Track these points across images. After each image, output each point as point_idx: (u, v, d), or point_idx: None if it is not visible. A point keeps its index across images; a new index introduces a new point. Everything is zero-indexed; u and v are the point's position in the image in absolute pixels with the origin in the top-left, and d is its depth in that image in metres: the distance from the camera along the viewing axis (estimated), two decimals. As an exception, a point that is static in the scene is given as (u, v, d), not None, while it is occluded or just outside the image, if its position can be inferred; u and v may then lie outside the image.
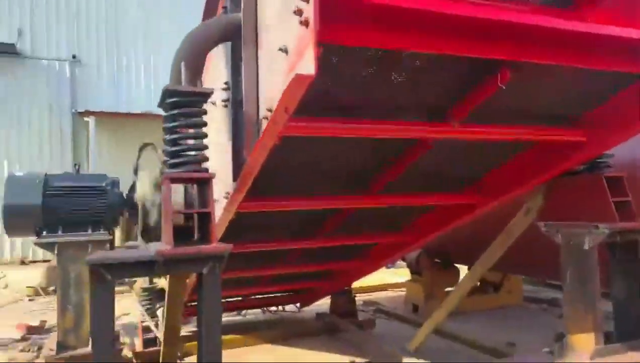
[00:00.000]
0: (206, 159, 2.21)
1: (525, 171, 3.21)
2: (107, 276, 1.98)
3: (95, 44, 13.87)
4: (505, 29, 1.96)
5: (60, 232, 3.47)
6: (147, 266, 2.02)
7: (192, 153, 2.17)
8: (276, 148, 2.50)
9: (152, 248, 2.05)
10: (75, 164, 3.79)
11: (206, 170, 2.20)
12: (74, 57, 13.54)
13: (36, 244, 3.42)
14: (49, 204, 3.46)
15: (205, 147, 2.23)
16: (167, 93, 2.13)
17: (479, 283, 6.69)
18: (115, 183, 3.68)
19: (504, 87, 2.16)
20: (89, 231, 3.50)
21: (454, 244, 5.89)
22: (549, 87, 2.54)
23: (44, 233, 3.44)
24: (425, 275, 6.76)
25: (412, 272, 7.11)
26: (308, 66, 1.60)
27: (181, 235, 2.11)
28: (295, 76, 1.63)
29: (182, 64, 2.20)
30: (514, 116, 2.65)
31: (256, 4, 2.22)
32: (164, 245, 2.01)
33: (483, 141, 2.77)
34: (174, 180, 2.06)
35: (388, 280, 8.91)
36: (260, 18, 2.18)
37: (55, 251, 3.39)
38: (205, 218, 2.06)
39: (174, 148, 2.12)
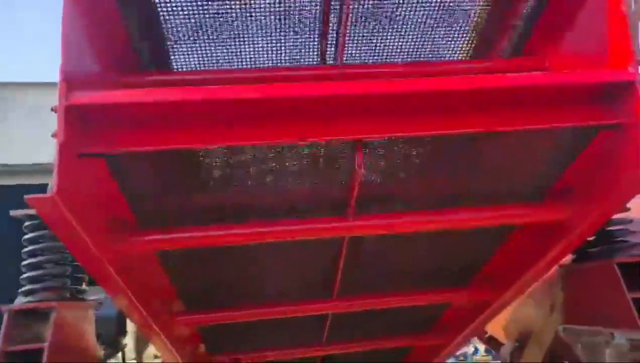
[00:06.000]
0: (57, 288, 2.05)
1: (523, 257, 2.50)
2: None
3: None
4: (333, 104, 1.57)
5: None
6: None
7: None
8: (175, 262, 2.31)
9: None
10: None
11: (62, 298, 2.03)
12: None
13: None
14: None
15: (64, 273, 2.08)
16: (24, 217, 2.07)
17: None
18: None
19: (363, 172, 1.69)
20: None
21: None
22: (478, 158, 1.96)
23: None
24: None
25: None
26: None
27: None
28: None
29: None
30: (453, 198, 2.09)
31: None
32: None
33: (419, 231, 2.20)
34: (15, 313, 1.91)
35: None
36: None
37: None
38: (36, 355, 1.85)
39: (26, 274, 2.01)
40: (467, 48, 2.43)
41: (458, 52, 2.45)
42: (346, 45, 2.09)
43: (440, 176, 2.08)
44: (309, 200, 2.04)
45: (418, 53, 2.34)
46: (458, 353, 10.67)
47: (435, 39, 2.40)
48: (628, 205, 2.52)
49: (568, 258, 2.72)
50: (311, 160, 1.87)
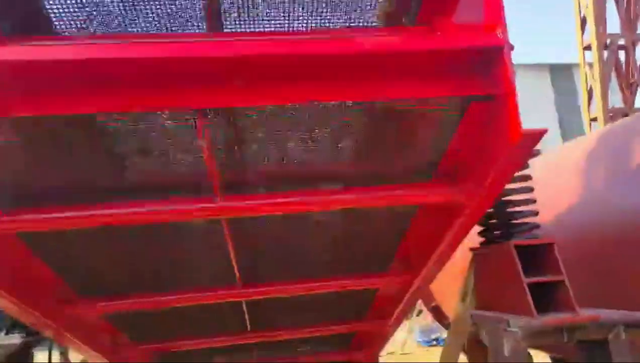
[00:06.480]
0: None
1: (429, 239, 2.37)
2: None
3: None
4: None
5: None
6: None
7: None
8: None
9: None
10: None
11: None
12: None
13: None
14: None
15: None
16: None
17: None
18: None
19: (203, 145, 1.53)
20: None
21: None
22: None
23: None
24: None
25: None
26: None
27: None
28: None
29: None
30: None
31: None
32: None
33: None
34: None
35: None
36: None
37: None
38: None
39: None
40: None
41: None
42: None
43: (321, 153, 1.92)
44: (169, 180, 1.89)
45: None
46: (432, 337, 10.67)
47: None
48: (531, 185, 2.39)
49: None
50: (164, 131, 1.71)
